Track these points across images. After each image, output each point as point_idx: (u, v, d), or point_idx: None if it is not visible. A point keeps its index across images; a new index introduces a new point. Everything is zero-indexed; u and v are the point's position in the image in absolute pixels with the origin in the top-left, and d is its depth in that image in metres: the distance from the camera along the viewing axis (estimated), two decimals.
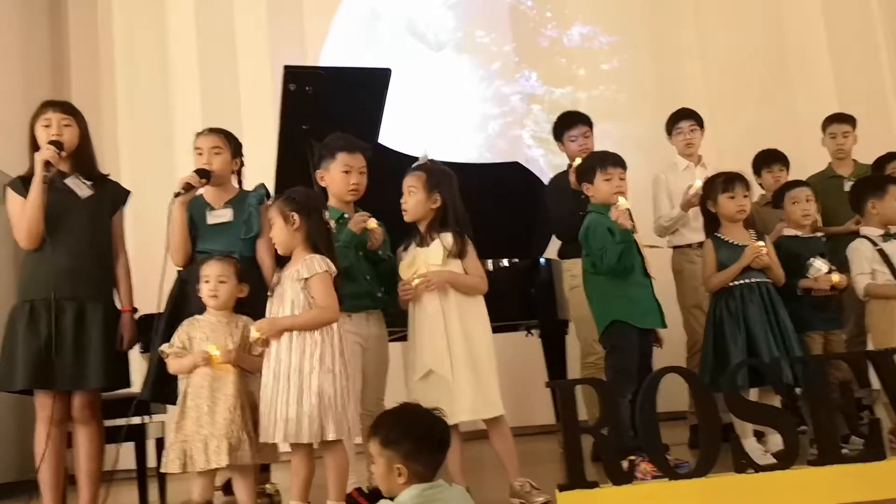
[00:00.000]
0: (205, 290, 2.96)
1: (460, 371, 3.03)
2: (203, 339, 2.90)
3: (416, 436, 1.98)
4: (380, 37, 6.56)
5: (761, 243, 3.49)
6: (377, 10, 6.67)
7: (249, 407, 2.86)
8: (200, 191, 3.34)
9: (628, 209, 3.35)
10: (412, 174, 3.20)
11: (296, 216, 2.85)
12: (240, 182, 3.47)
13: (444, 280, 3.08)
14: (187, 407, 2.84)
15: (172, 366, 2.92)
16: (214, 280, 2.94)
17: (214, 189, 3.35)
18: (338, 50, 6.57)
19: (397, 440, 1.98)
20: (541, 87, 6.26)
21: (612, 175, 3.48)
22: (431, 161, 3.30)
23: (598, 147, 4.24)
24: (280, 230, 2.87)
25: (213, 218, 3.30)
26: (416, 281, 3.08)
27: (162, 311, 3.22)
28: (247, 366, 2.90)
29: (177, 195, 3.19)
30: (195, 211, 3.28)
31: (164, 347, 2.94)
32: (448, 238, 3.12)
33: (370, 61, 6.25)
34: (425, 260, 3.12)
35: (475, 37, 6.33)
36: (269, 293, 2.90)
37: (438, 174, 3.20)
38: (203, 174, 3.27)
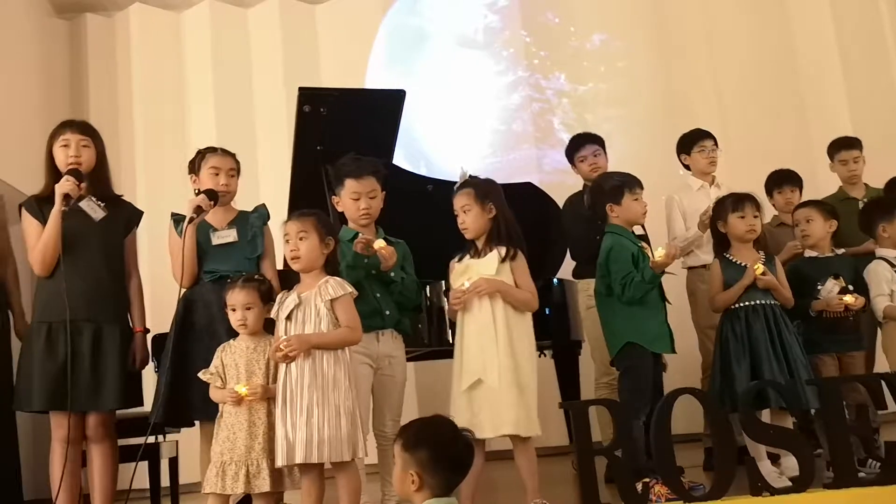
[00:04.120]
0: (233, 319, 2.97)
1: (506, 384, 2.99)
2: (233, 365, 2.93)
3: (435, 449, 1.99)
4: (420, 47, 6.98)
5: (760, 264, 3.44)
6: (407, 22, 6.98)
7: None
8: None
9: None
10: (461, 193, 3.21)
11: (331, 239, 2.92)
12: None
13: (494, 288, 3.07)
14: (221, 428, 2.89)
15: (211, 393, 2.95)
16: (241, 308, 2.95)
17: (217, 210, 3.33)
18: (377, 66, 6.79)
19: (416, 447, 2.00)
20: (568, 84, 6.90)
21: (640, 195, 3.48)
22: (472, 176, 3.30)
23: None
24: (313, 248, 2.88)
25: (217, 238, 3.30)
26: (466, 285, 3.07)
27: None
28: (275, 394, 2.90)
29: (190, 220, 3.16)
30: (199, 232, 3.27)
31: (201, 374, 2.96)
32: (502, 249, 3.14)
33: (415, 71, 6.70)
34: (478, 270, 3.12)
35: (520, 35, 6.95)
36: (274, 314, 2.90)
37: (485, 185, 3.23)
38: (211, 195, 3.24)
